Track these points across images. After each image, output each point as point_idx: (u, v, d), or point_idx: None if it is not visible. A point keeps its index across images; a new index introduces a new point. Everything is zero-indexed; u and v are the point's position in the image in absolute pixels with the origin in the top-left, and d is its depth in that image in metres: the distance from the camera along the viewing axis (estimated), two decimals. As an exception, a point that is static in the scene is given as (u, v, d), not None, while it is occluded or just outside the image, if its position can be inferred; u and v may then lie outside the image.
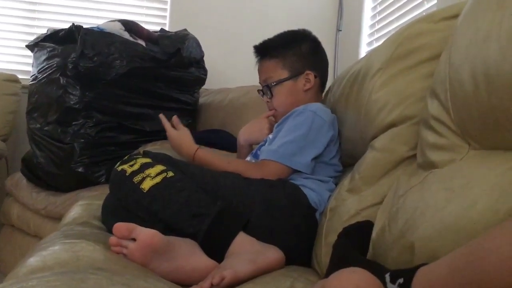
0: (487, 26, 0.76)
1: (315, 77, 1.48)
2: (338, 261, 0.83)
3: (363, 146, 1.19)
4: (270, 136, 1.47)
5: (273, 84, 1.48)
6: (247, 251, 1.04)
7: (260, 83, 1.55)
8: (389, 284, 0.63)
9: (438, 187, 0.81)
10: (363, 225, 1.03)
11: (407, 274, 0.61)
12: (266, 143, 1.46)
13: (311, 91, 1.48)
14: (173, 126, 1.49)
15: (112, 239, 1.01)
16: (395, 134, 1.09)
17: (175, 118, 1.51)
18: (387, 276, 0.64)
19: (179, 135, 1.45)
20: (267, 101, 1.53)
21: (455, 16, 0.97)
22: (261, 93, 1.55)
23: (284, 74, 1.48)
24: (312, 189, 1.28)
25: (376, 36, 2.49)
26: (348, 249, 0.88)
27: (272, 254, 1.07)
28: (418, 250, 0.77)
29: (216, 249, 1.06)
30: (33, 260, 0.93)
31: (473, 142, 0.82)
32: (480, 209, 0.68)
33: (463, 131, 0.83)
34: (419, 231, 0.78)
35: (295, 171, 1.31)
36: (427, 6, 2.00)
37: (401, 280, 0.61)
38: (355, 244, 0.96)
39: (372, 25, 2.55)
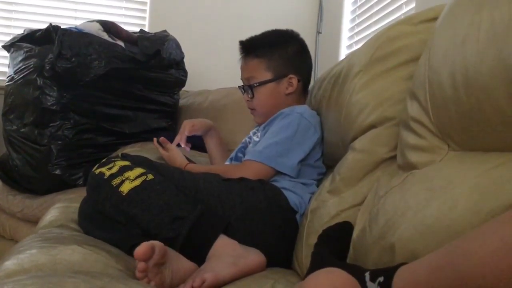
0: (466, 29, 0.77)
1: (298, 81, 1.48)
2: (317, 264, 0.83)
3: (344, 148, 1.20)
4: (255, 138, 1.46)
5: (255, 84, 1.47)
6: (228, 254, 1.04)
7: (241, 79, 1.54)
8: (369, 283, 0.63)
9: (418, 188, 0.82)
10: (343, 227, 1.03)
11: (388, 272, 0.61)
12: (251, 145, 1.46)
13: (293, 95, 1.48)
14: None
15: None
16: (375, 135, 1.10)
17: (162, 139, 1.61)
18: (367, 275, 0.64)
19: (169, 156, 1.55)
20: (247, 100, 1.52)
21: (434, 18, 0.98)
22: (242, 90, 1.54)
23: (267, 75, 1.47)
24: (294, 192, 1.28)
25: (355, 38, 2.51)
26: (327, 254, 0.89)
27: (253, 256, 1.07)
28: (398, 250, 0.77)
29: (197, 252, 1.05)
30: (9, 263, 0.91)
31: (452, 143, 0.83)
32: (461, 210, 0.69)
33: (442, 133, 0.84)
34: (400, 232, 0.78)
35: (279, 173, 1.31)
36: (405, 9, 2.02)
37: (381, 279, 0.61)
38: (336, 246, 0.96)
39: (352, 28, 2.56)
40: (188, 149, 1.64)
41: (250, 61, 1.49)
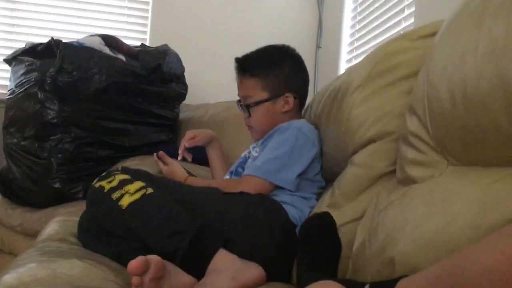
0: (464, 44, 0.77)
1: (294, 98, 1.48)
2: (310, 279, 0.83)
3: (343, 162, 1.20)
4: (254, 153, 1.47)
5: (251, 104, 1.48)
6: (227, 268, 1.03)
7: (238, 95, 1.54)
8: (369, 295, 0.63)
9: (418, 202, 0.82)
10: (322, 219, 1.03)
11: (388, 285, 0.61)
12: (250, 160, 1.46)
13: (289, 112, 1.48)
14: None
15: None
16: (374, 150, 1.10)
17: (161, 153, 1.64)
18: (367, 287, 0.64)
19: (169, 170, 1.58)
20: (244, 117, 1.53)
21: (433, 34, 0.98)
22: (239, 107, 1.55)
23: (263, 95, 1.47)
24: (293, 206, 1.28)
25: (355, 53, 2.52)
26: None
27: (252, 271, 1.07)
28: (398, 265, 0.77)
29: (197, 266, 1.04)
30: (9, 277, 0.90)
31: (451, 158, 0.83)
32: (461, 224, 0.69)
33: (441, 147, 0.85)
34: (399, 246, 0.78)
35: (278, 188, 1.32)
36: (404, 24, 2.04)
37: (381, 292, 0.61)
38: (322, 249, 0.96)
39: (351, 43, 2.58)
40: (189, 159, 1.64)
41: (245, 81, 1.50)
